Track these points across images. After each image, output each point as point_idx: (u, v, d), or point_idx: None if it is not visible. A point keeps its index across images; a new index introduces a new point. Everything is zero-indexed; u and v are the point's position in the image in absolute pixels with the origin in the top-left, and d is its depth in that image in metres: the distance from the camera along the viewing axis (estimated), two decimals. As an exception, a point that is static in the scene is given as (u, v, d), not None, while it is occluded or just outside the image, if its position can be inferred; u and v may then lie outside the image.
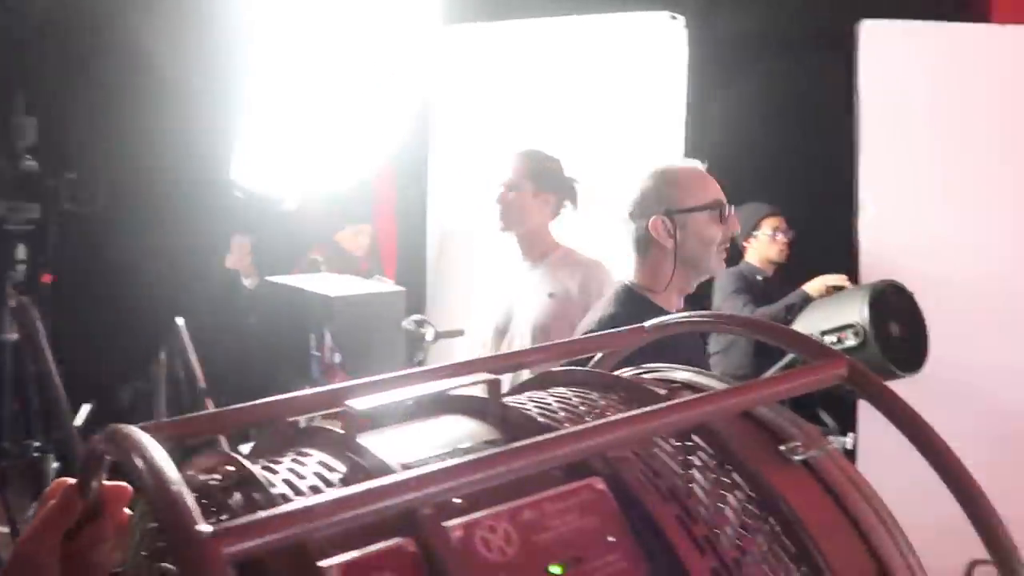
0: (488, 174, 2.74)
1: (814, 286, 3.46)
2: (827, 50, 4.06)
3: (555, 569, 0.52)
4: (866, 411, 3.64)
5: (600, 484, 0.56)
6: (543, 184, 2.54)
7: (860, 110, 3.76)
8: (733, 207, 1.80)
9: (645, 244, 1.80)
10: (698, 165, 1.87)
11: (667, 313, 1.85)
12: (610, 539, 0.54)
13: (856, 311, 2.92)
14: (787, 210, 3.84)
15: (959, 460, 0.66)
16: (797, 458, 0.65)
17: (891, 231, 3.74)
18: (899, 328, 2.97)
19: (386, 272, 4.18)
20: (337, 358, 2.51)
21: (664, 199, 1.77)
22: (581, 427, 0.56)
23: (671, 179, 1.80)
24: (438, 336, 2.80)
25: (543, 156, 2.60)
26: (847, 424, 3.45)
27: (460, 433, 0.63)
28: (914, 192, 3.78)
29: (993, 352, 3.77)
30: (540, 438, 0.54)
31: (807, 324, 3.14)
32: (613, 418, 0.58)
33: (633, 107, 3.70)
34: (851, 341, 2.88)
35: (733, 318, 1.04)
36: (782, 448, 0.65)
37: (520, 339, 2.53)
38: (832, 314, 3.06)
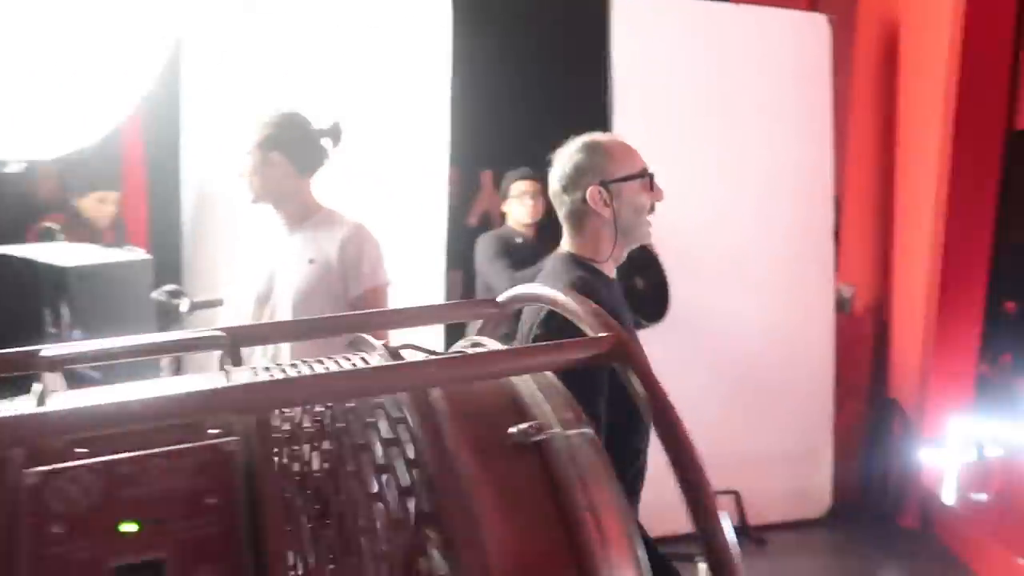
0: (242, 132, 2.60)
1: None
2: (583, 23, 4.22)
3: (128, 526, 0.51)
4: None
5: (231, 447, 0.56)
6: (281, 148, 2.40)
7: (613, 82, 3.97)
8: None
9: (581, 216, 1.83)
10: (622, 138, 1.92)
11: (612, 282, 1.86)
12: (209, 502, 0.54)
13: None
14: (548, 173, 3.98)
15: (691, 443, 0.67)
16: (524, 440, 0.65)
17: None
18: (643, 283, 3.23)
19: (135, 241, 3.87)
20: (76, 335, 2.31)
21: (598, 170, 1.81)
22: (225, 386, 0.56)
23: (603, 151, 1.84)
24: (194, 307, 2.64)
25: (279, 118, 2.44)
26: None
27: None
28: (663, 155, 4.05)
29: (730, 306, 4.19)
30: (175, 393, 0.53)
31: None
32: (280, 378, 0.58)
33: (396, 71, 3.65)
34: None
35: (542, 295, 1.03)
36: (512, 430, 0.65)
37: (282, 308, 2.44)
38: None
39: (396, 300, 2.50)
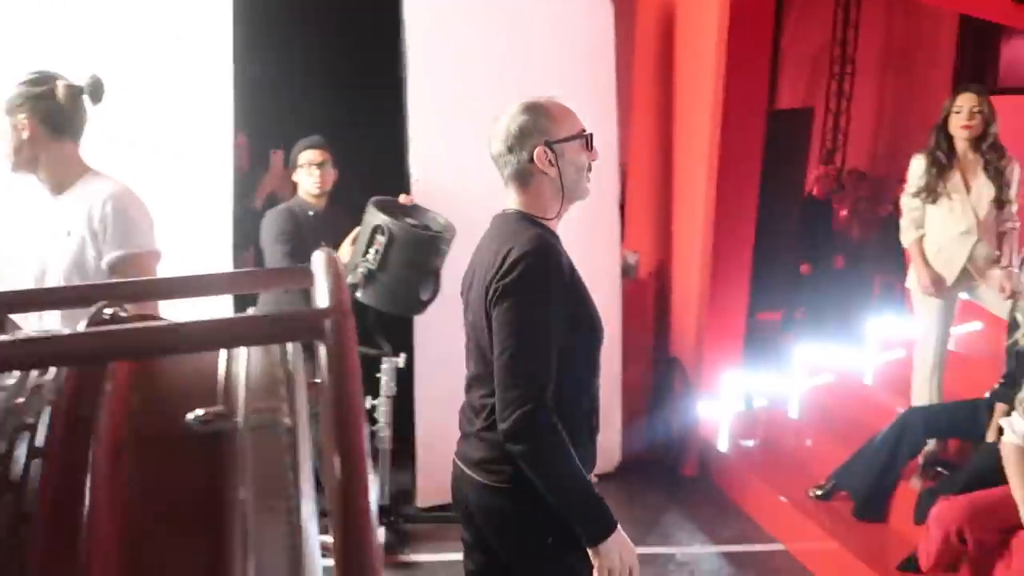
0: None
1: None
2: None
3: None
4: (421, 332, 3.95)
5: None
6: (27, 109, 2.19)
7: (407, 55, 3.95)
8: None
9: (527, 175, 1.86)
10: (560, 99, 1.93)
11: (559, 240, 1.85)
12: None
13: (373, 219, 3.21)
14: (343, 144, 3.89)
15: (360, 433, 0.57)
16: (200, 430, 0.59)
17: (440, 164, 4.03)
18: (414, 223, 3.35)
19: None
20: None
21: (543, 131, 1.84)
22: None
23: (545, 112, 1.87)
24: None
25: (24, 78, 2.23)
26: (401, 345, 3.70)
27: None
28: (457, 127, 4.11)
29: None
30: None
31: (350, 258, 3.35)
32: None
33: (180, 48, 3.46)
34: (383, 238, 3.16)
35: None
36: (189, 416, 0.60)
37: (53, 281, 2.25)
38: (360, 237, 3.30)
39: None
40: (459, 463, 1.91)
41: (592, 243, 4.58)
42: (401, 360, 3.47)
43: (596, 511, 1.73)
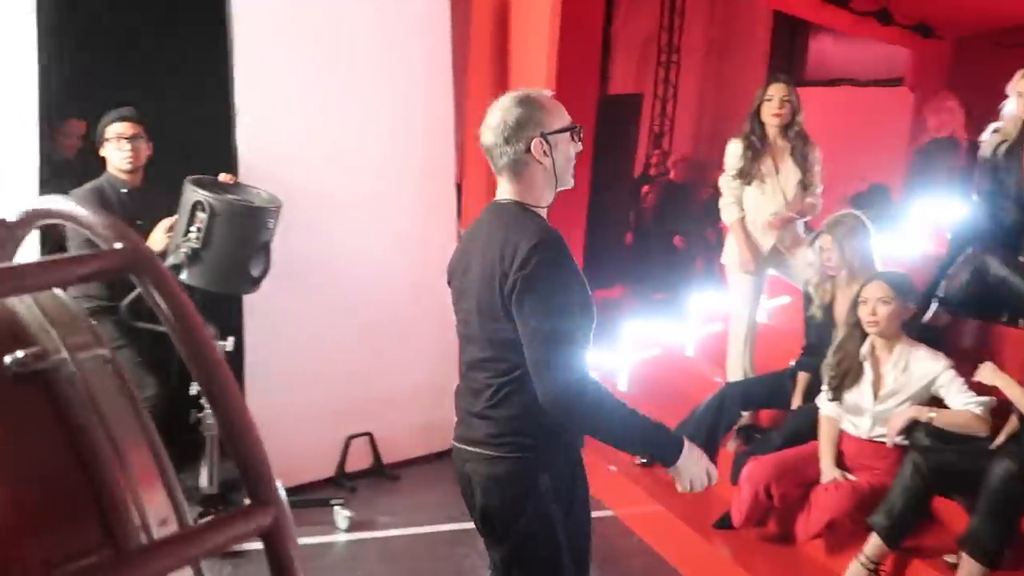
0: None
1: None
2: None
3: None
4: (250, 316, 3.83)
5: None
6: None
7: (233, 30, 3.79)
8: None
9: (522, 165, 1.93)
10: (549, 92, 2.01)
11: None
12: None
13: (192, 196, 3.10)
14: (165, 121, 3.67)
15: (223, 363, 0.65)
16: (21, 371, 0.58)
17: (267, 140, 3.90)
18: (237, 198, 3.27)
19: None
20: None
21: (538, 123, 1.91)
22: None
23: (539, 105, 1.94)
24: None
25: None
26: (229, 328, 3.58)
27: None
28: (288, 105, 3.99)
29: (359, 253, 4.27)
30: None
31: (172, 239, 3.21)
32: None
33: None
34: (204, 214, 3.05)
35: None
36: (7, 360, 0.58)
37: None
38: (180, 217, 3.18)
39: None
40: (461, 445, 2.00)
41: (428, 222, 4.59)
42: (229, 344, 3.35)
43: (663, 438, 1.90)
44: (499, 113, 1.95)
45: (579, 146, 2.01)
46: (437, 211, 4.64)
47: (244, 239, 3.21)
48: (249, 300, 3.71)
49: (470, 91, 5.46)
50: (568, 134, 1.96)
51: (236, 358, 3.66)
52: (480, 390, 1.95)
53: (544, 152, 1.92)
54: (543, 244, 1.83)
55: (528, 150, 1.92)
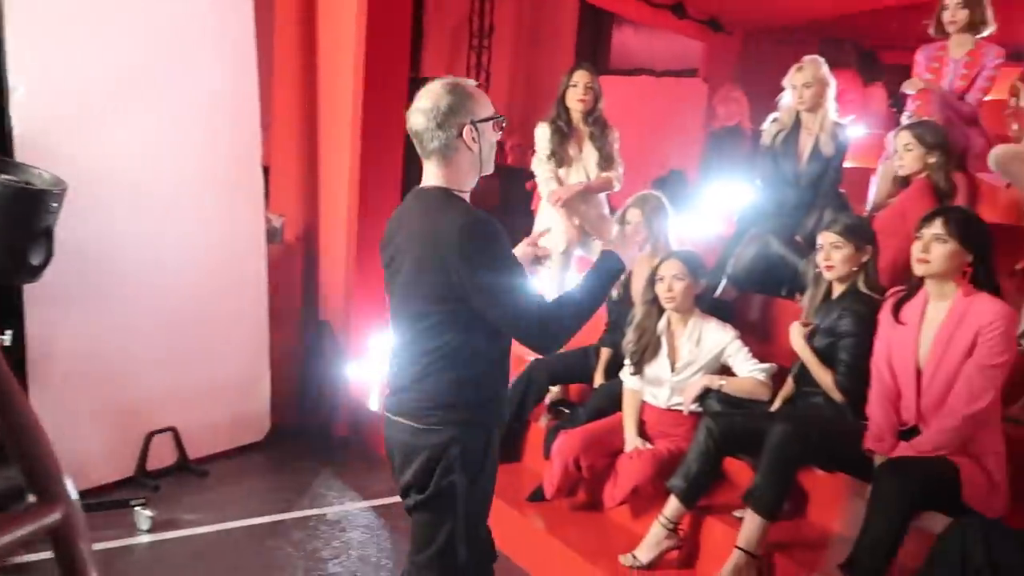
0: None
1: None
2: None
3: None
4: (32, 307, 3.53)
5: None
6: None
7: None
8: None
9: (451, 151, 2.02)
10: (474, 82, 2.10)
11: None
12: None
13: None
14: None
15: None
16: None
17: (49, 112, 3.59)
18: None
19: None
20: None
21: (468, 111, 2.01)
22: None
23: (468, 93, 2.03)
24: None
25: None
26: (6, 321, 3.29)
27: None
28: (73, 73, 3.68)
29: (162, 239, 4.03)
30: None
31: None
32: None
33: None
34: None
35: None
36: None
37: None
38: None
39: None
40: (391, 415, 2.11)
41: (234, 205, 4.41)
42: (7, 337, 3.07)
43: (603, 274, 2.10)
44: (431, 98, 2.02)
45: (499, 135, 2.12)
46: (243, 194, 4.46)
47: (23, 224, 2.94)
48: (31, 290, 3.41)
49: (276, 71, 5.27)
50: (493, 122, 2.08)
51: (16, 352, 3.37)
52: (410, 363, 2.07)
53: (473, 139, 2.03)
54: (473, 221, 1.96)
55: (459, 136, 2.01)
